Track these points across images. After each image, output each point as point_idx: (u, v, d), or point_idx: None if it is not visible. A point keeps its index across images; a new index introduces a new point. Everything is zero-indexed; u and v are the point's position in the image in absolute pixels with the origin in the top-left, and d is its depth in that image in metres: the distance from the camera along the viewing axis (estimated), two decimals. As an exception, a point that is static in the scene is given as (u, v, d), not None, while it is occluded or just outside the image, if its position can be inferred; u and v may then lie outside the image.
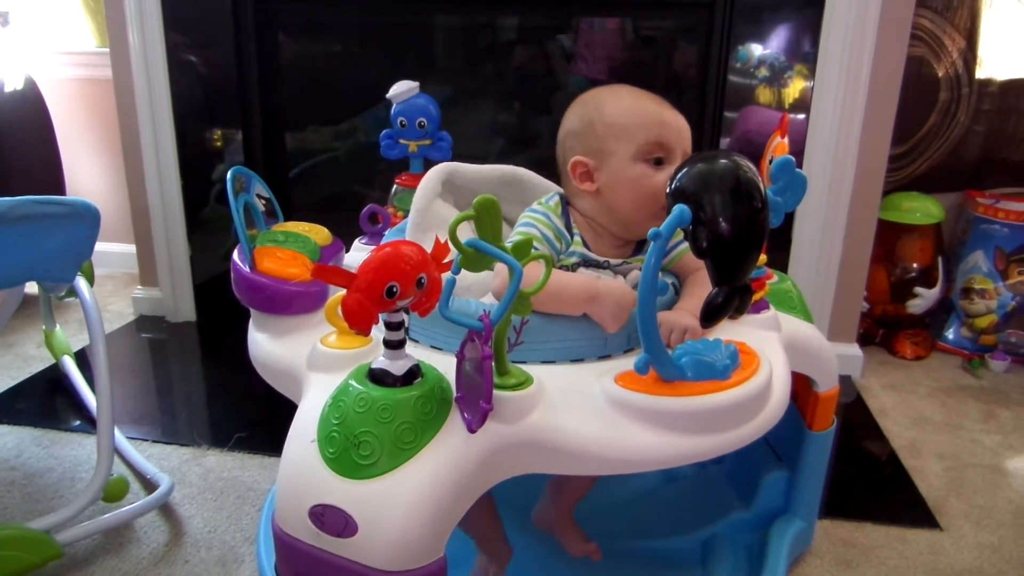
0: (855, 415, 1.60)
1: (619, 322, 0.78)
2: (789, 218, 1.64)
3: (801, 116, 1.62)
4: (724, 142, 1.69)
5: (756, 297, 0.88)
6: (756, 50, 1.63)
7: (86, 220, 1.03)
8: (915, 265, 1.83)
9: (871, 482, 1.38)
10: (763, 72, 1.63)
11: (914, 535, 1.21)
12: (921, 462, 1.43)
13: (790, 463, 1.07)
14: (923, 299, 1.84)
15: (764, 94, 1.65)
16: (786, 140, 0.92)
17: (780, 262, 1.67)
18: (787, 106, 1.63)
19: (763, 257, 0.89)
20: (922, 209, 1.81)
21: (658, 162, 0.87)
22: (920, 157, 1.88)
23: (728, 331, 0.82)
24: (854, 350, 1.75)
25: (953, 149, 1.88)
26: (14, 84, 1.97)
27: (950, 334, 1.89)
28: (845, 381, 1.71)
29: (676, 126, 0.87)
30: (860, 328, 1.79)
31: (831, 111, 1.58)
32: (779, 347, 0.85)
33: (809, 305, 1.04)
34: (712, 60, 1.68)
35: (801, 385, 1.02)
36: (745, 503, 1.11)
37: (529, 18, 1.86)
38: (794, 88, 1.63)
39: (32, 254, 1.00)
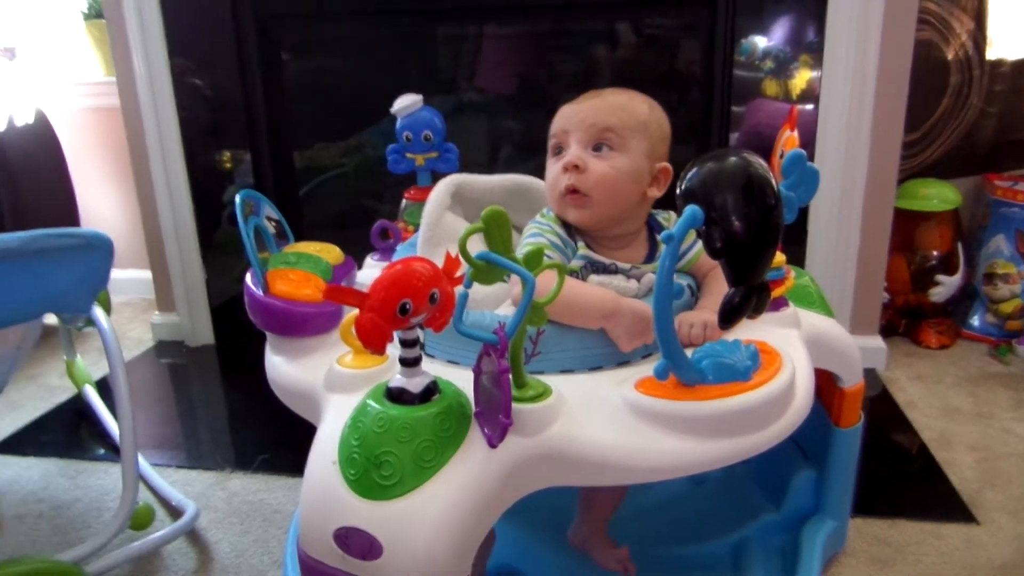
0: (882, 408, 1.57)
1: (634, 341, 0.78)
2: (804, 211, 1.62)
3: (810, 107, 1.61)
4: (733, 137, 1.68)
5: (776, 294, 0.87)
6: (760, 42, 1.61)
7: (100, 251, 1.04)
8: (935, 252, 1.80)
9: (902, 477, 1.36)
10: (768, 64, 1.61)
11: (949, 530, 1.18)
12: (953, 454, 1.40)
13: (818, 462, 1.05)
14: (945, 287, 1.81)
15: (771, 86, 1.63)
16: (795, 133, 0.91)
17: (796, 256, 1.65)
18: (795, 97, 1.62)
19: (781, 257, 0.88)
20: (939, 195, 1.79)
21: (558, 151, 0.90)
22: (934, 142, 1.86)
23: (748, 331, 0.81)
24: (877, 342, 1.73)
25: (967, 132, 1.85)
26: (25, 118, 1.99)
27: (975, 321, 1.86)
28: (870, 374, 1.69)
29: (573, 112, 0.88)
30: (882, 319, 1.77)
31: (840, 100, 1.56)
32: (801, 344, 0.84)
33: (828, 298, 1.02)
34: (716, 56, 1.67)
35: (825, 381, 1.00)
36: (775, 505, 1.09)
37: (530, 25, 1.86)
38: (801, 79, 1.61)
39: (49, 287, 1.01)
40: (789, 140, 0.91)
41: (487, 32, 1.88)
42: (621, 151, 0.86)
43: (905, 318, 1.86)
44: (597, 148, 0.86)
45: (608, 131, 0.86)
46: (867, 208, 1.62)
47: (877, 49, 1.53)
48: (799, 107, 1.61)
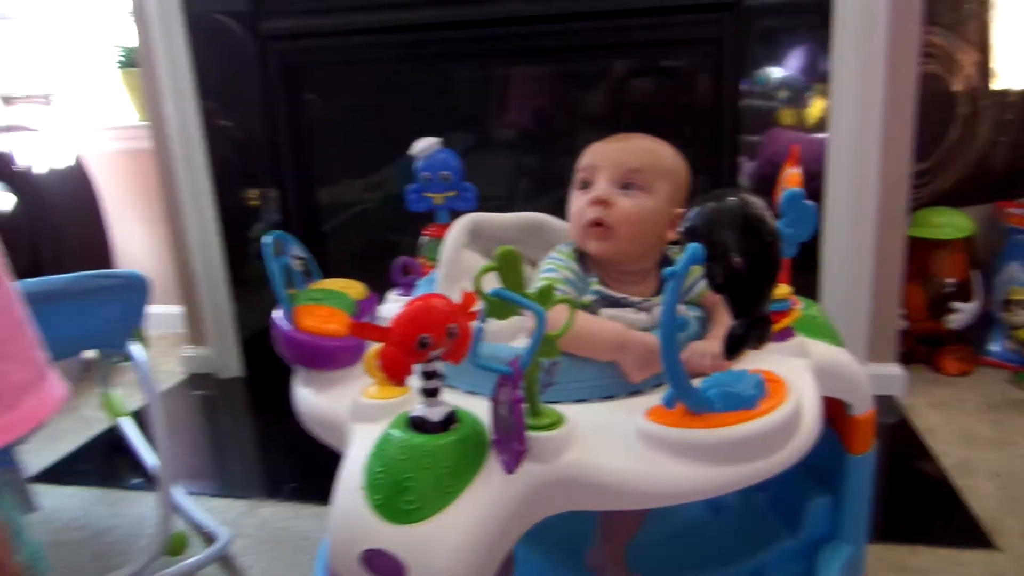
0: (901, 436, 1.58)
1: (643, 372, 0.81)
2: (815, 241, 1.66)
3: (822, 136, 1.64)
4: (749, 166, 1.71)
5: (782, 325, 0.90)
6: (774, 73, 1.65)
7: (138, 290, 1.10)
8: (950, 280, 1.82)
9: (922, 504, 1.36)
10: (783, 94, 1.66)
11: (970, 556, 1.19)
12: (973, 481, 1.40)
13: (833, 488, 1.07)
14: (962, 314, 1.82)
15: (784, 116, 1.67)
16: (798, 170, 0.94)
17: (810, 285, 1.67)
18: (807, 127, 1.65)
19: (787, 288, 0.91)
20: (952, 223, 1.81)
21: (584, 186, 0.93)
22: (945, 171, 1.88)
23: (755, 361, 0.83)
24: (895, 370, 1.74)
25: (979, 161, 1.87)
26: (63, 162, 2.08)
27: (994, 347, 1.86)
28: (889, 401, 1.70)
29: (603, 150, 0.92)
30: (902, 347, 1.78)
31: (848, 132, 1.60)
32: (807, 373, 0.86)
33: (844, 326, 1.04)
34: (725, 90, 1.71)
35: (837, 410, 1.02)
36: (792, 531, 1.11)
37: (545, 66, 1.92)
38: (812, 109, 1.65)
39: (90, 325, 1.07)
40: (792, 177, 0.94)
41: (503, 73, 1.95)
42: (647, 192, 0.90)
43: (924, 345, 1.87)
44: (625, 187, 0.90)
45: (637, 172, 0.90)
46: (879, 236, 1.65)
47: (882, 81, 1.57)
48: (813, 135, 1.65)
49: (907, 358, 1.84)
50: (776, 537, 1.11)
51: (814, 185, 1.64)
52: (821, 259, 1.68)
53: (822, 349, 0.95)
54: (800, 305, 0.97)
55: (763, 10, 1.63)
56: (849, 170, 1.62)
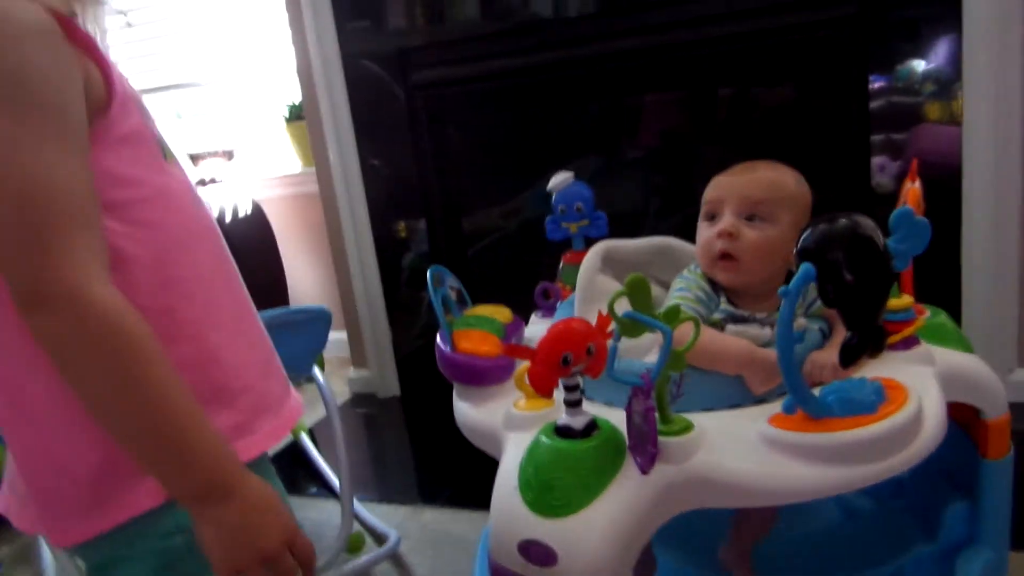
0: (1058, 443, 1.51)
1: (767, 385, 0.88)
2: (956, 246, 1.63)
3: (958, 133, 1.62)
4: (892, 166, 1.71)
5: (906, 333, 0.94)
6: (913, 68, 1.65)
7: (323, 321, 1.29)
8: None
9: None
10: (927, 88, 1.65)
11: None
12: None
13: (971, 493, 1.08)
14: None
15: (929, 112, 1.66)
16: (918, 184, 0.98)
17: (951, 290, 1.64)
18: (951, 121, 1.64)
19: (909, 299, 0.95)
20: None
21: (710, 217, 0.98)
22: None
23: (880, 368, 0.87)
24: (1050, 374, 1.66)
25: None
26: (245, 209, 2.38)
27: None
28: (1044, 408, 1.62)
29: (728, 183, 0.98)
30: (1059, 351, 1.70)
31: (985, 127, 1.58)
32: (932, 380, 0.89)
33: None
34: (855, 92, 1.72)
35: (972, 415, 1.03)
36: (929, 536, 1.12)
37: (669, 93, 2.00)
38: (947, 105, 1.63)
39: (285, 353, 1.26)
40: (911, 192, 0.98)
41: (631, 103, 2.04)
42: (772, 222, 0.96)
43: (1087, 349, 1.77)
44: (749, 218, 0.96)
45: (760, 204, 0.96)
46: (1025, 238, 1.60)
47: (1019, 75, 1.53)
48: (956, 130, 1.62)
49: (1067, 363, 1.75)
50: (912, 542, 1.12)
51: (955, 183, 1.62)
52: (963, 261, 1.65)
53: (948, 355, 0.97)
54: (926, 314, 1.00)
55: (890, 4, 1.63)
56: (988, 168, 1.59)
